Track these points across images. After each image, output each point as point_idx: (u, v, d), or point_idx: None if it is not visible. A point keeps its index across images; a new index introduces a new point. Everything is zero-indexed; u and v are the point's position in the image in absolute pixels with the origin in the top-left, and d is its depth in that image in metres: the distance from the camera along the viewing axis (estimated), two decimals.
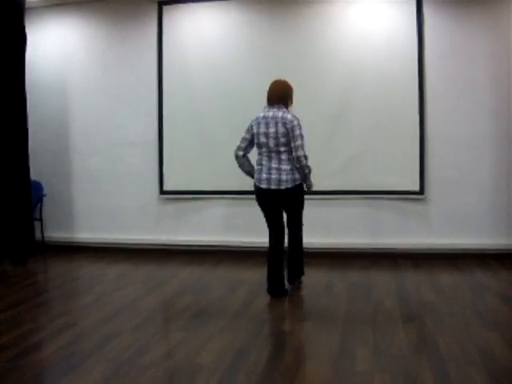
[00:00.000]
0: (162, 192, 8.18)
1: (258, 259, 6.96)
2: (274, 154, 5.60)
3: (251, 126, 5.69)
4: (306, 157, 5.58)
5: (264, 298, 5.62)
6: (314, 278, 6.56)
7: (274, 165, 5.60)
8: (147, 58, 8.16)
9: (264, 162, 5.65)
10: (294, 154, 5.55)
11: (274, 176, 5.58)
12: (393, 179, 7.49)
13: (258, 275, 6.42)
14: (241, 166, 5.83)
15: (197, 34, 7.94)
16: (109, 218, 8.38)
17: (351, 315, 5.08)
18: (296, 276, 6.03)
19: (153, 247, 8.14)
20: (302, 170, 5.62)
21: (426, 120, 7.41)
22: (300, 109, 7.59)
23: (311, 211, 7.70)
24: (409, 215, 7.54)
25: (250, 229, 7.49)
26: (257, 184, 5.70)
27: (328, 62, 7.60)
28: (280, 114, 5.59)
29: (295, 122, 5.57)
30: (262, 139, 5.60)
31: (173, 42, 8.05)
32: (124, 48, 8.27)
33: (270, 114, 5.61)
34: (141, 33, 8.19)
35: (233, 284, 6.18)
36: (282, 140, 5.55)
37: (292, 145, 5.54)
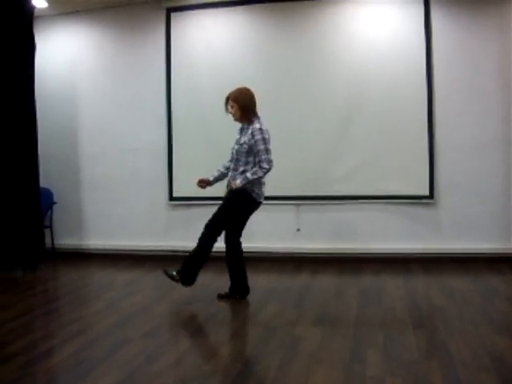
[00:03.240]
0: (172, 198, 8.20)
1: (267, 265, 6.96)
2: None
3: (269, 137, 5.63)
4: None
5: (274, 304, 5.61)
6: (324, 284, 6.56)
7: (264, 179, 5.78)
8: (155, 65, 8.19)
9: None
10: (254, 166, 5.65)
11: (264, 190, 5.81)
12: (402, 184, 7.48)
13: (267, 281, 6.42)
14: (262, 178, 5.72)
15: (204, 40, 7.97)
16: (118, 225, 8.40)
17: (362, 320, 5.07)
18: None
19: (162, 253, 8.15)
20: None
21: (434, 124, 7.40)
22: (307, 113, 7.65)
23: (321, 217, 7.73)
24: (418, 220, 7.53)
25: (257, 234, 7.46)
26: (258, 199, 5.71)
27: (335, 66, 7.61)
28: None
29: None
30: None
31: (181, 48, 8.08)
32: (132, 55, 8.30)
33: None
34: (149, 40, 8.23)
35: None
36: None
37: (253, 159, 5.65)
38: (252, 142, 5.51)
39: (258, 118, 5.65)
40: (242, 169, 5.63)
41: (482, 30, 7.28)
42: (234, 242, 5.84)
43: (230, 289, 5.87)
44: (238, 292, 5.84)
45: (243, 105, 5.62)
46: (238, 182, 5.57)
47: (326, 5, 7.62)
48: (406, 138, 7.45)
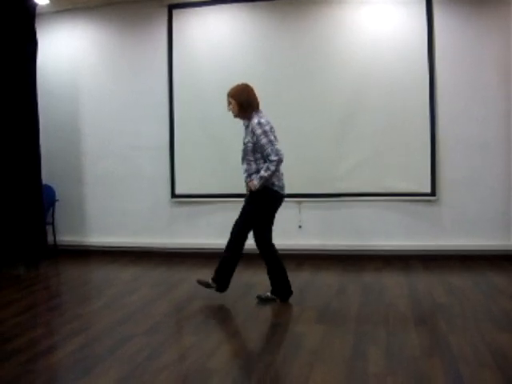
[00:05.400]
0: (174, 195, 8.20)
1: None
2: None
3: (271, 128, 5.53)
4: None
5: (276, 302, 5.61)
6: (326, 281, 6.56)
7: (282, 170, 5.71)
8: (157, 62, 8.19)
9: (280, 169, 5.62)
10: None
11: (284, 182, 5.72)
12: (404, 181, 7.48)
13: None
14: (277, 171, 5.59)
15: (207, 37, 7.96)
16: (121, 222, 8.41)
17: (364, 317, 5.07)
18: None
19: (164, 250, 8.16)
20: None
21: (436, 121, 7.39)
22: (309, 111, 7.64)
23: (323, 214, 7.74)
24: (420, 217, 7.52)
25: None
26: (280, 191, 5.63)
27: (338, 63, 7.60)
28: None
29: None
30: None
31: (183, 45, 8.07)
32: (134, 52, 8.30)
33: None
34: (151, 37, 8.23)
35: (244, 287, 6.17)
36: None
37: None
38: (254, 138, 5.44)
39: (257, 112, 5.57)
40: (254, 166, 5.52)
41: (484, 28, 7.28)
42: (265, 242, 5.69)
43: (272, 291, 5.69)
44: (280, 294, 5.67)
45: (240, 101, 5.56)
46: (256, 183, 5.45)
47: (329, 3, 7.61)
48: (408, 136, 7.45)
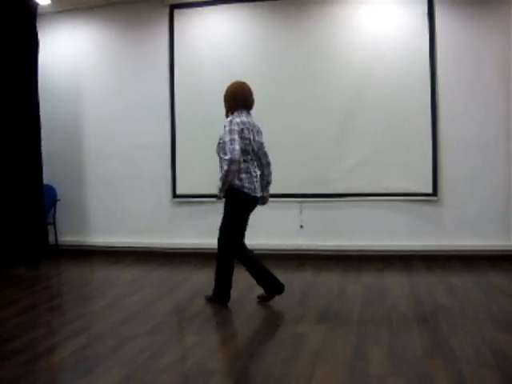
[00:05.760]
0: (175, 196, 8.20)
1: (271, 262, 6.96)
2: (256, 162, 5.54)
3: (242, 130, 5.27)
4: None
5: (277, 301, 5.61)
6: (328, 281, 6.56)
7: (257, 172, 5.54)
8: (159, 62, 8.19)
9: (252, 170, 5.42)
10: (265, 160, 5.60)
11: (258, 183, 5.48)
12: (405, 181, 7.48)
13: None
14: (235, 172, 5.27)
15: (208, 37, 7.97)
16: (122, 222, 8.41)
17: (365, 318, 5.07)
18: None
19: (166, 251, 8.16)
20: (269, 177, 5.66)
21: (438, 122, 7.39)
22: (310, 111, 7.65)
23: (324, 214, 7.74)
24: (422, 217, 7.52)
25: (260, 231, 7.46)
26: (251, 193, 5.38)
27: (339, 64, 7.60)
28: (255, 122, 5.53)
29: (261, 130, 5.59)
30: (251, 146, 5.38)
31: (184, 45, 8.07)
32: (136, 52, 8.30)
33: (251, 121, 5.44)
34: (152, 37, 8.23)
35: (246, 287, 6.15)
36: (260, 148, 5.56)
37: (262, 152, 5.58)
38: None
39: (240, 112, 5.40)
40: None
41: (485, 29, 7.27)
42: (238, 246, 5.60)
43: (266, 291, 5.64)
44: (272, 290, 5.61)
45: (226, 100, 5.51)
46: (217, 189, 5.39)
47: (330, 3, 7.61)
48: (410, 136, 7.44)
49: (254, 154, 5.46)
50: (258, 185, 5.48)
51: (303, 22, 7.69)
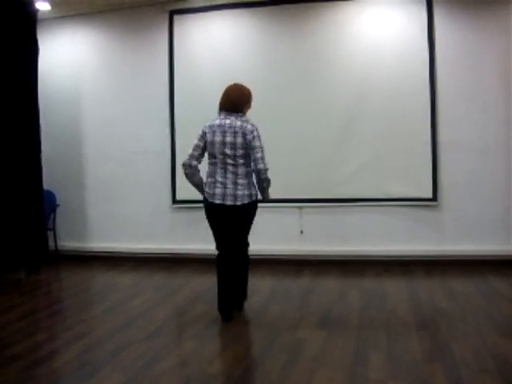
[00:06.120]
0: (175, 201, 8.20)
1: (270, 267, 6.97)
2: (230, 167, 5.11)
3: (204, 133, 5.22)
4: (266, 170, 5.11)
5: (277, 306, 5.61)
6: (327, 286, 6.56)
7: (229, 178, 5.11)
8: (159, 68, 8.19)
9: (218, 175, 5.14)
10: (254, 166, 5.11)
11: (229, 191, 5.10)
12: (405, 186, 7.46)
13: (270, 283, 6.42)
14: (191, 177, 5.22)
15: (208, 42, 7.97)
16: (122, 228, 8.41)
17: (365, 322, 5.07)
18: (243, 300, 5.59)
19: (165, 256, 8.15)
20: (261, 183, 5.22)
21: (437, 126, 7.39)
22: (310, 116, 7.65)
23: (324, 219, 7.73)
24: (421, 222, 7.51)
25: (260, 236, 7.44)
26: (208, 199, 5.20)
27: (339, 69, 7.60)
28: (238, 123, 5.11)
29: (255, 133, 5.07)
30: (218, 149, 5.12)
31: (184, 50, 8.08)
32: (136, 57, 8.31)
33: (228, 121, 5.14)
34: (152, 42, 8.24)
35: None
36: (241, 152, 5.08)
37: (252, 157, 5.08)
38: None
39: (219, 113, 5.29)
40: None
41: (485, 33, 7.27)
42: (246, 248, 5.55)
43: (240, 304, 5.52)
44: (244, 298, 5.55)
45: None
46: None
47: (329, 7, 7.61)
48: (409, 140, 7.44)
49: (224, 156, 5.12)
50: (220, 191, 5.14)
51: (303, 27, 7.69)
